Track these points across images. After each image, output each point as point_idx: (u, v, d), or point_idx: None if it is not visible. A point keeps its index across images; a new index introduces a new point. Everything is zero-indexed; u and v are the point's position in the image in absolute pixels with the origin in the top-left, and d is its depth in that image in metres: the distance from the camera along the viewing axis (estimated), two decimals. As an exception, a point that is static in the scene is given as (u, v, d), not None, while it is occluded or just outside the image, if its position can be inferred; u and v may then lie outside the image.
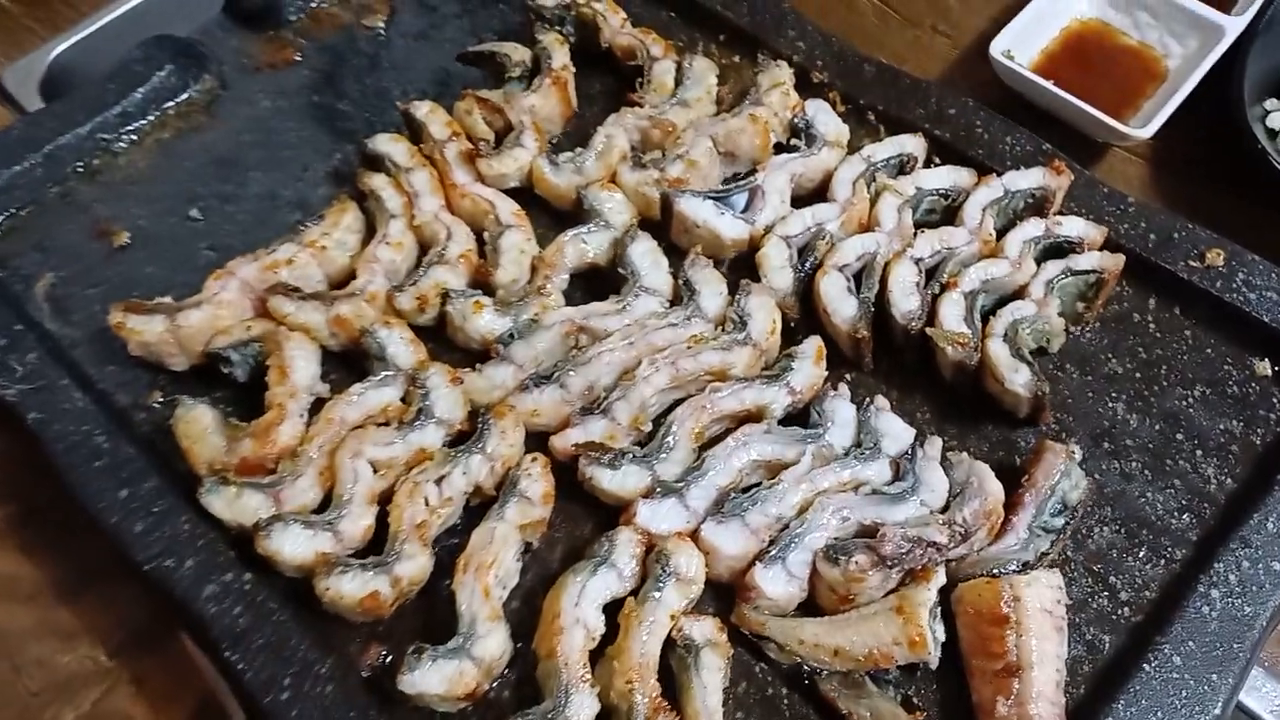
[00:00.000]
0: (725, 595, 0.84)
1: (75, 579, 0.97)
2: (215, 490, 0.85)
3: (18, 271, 1.03)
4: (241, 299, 0.95)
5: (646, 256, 0.97)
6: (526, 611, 0.84)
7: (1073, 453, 0.84)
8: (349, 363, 0.97)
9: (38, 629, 0.95)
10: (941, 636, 0.78)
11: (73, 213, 1.07)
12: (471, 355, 0.96)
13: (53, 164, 1.08)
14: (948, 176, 1.00)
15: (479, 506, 0.88)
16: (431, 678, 0.76)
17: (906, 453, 0.86)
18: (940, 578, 0.79)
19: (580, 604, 0.79)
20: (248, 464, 0.87)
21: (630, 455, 0.86)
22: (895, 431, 0.88)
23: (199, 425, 0.88)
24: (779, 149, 1.06)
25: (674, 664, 0.79)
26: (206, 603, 0.81)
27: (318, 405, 0.92)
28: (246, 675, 0.79)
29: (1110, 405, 0.92)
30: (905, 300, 0.92)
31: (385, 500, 0.87)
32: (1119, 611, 0.82)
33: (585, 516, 0.89)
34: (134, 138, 1.12)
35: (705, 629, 0.79)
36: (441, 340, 0.97)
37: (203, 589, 0.82)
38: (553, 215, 1.06)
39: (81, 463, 0.88)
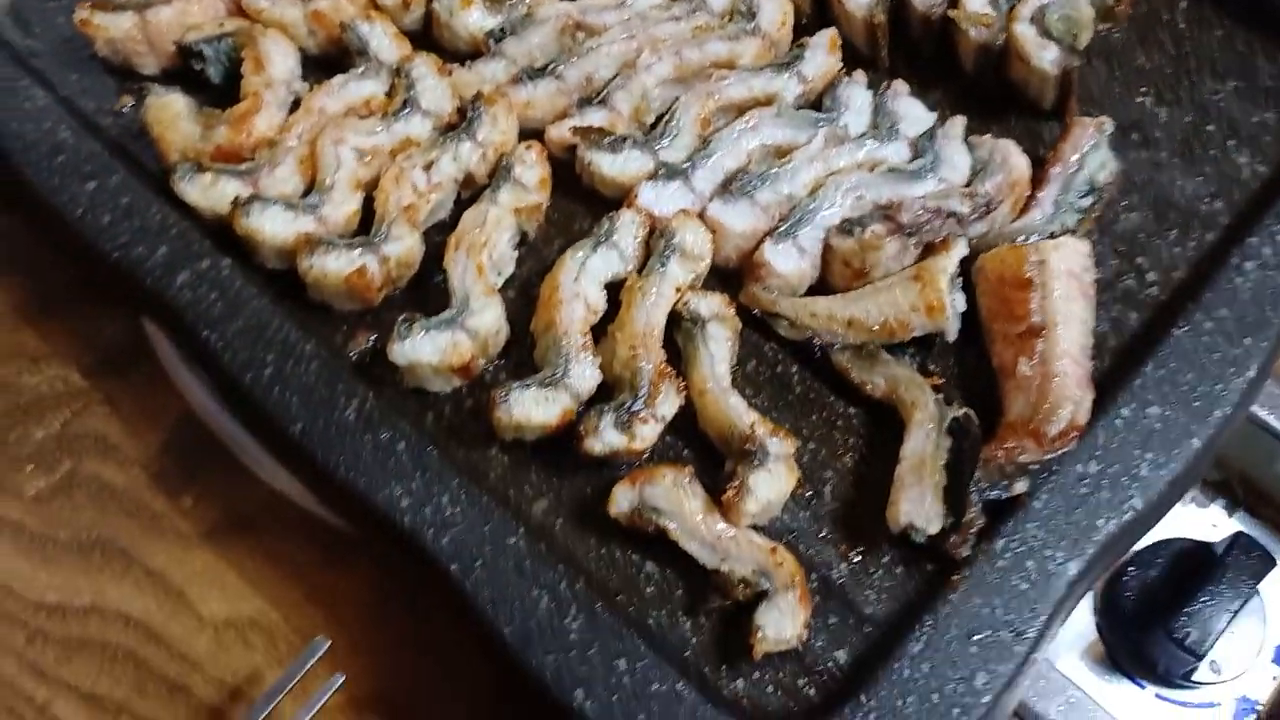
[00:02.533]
0: (733, 283, 0.79)
1: (42, 302, 0.92)
2: (189, 176, 0.79)
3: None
4: (216, -2, 0.88)
5: (647, -46, 0.91)
6: (522, 302, 0.79)
7: (1103, 124, 0.79)
8: (329, 68, 0.90)
9: (2, 352, 0.89)
10: (961, 307, 0.74)
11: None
12: (459, 59, 0.90)
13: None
14: None
15: (469, 200, 0.83)
16: (424, 347, 0.72)
17: (926, 133, 0.81)
18: (962, 248, 0.75)
19: (580, 280, 0.75)
20: (223, 152, 0.81)
21: (632, 140, 0.81)
22: (915, 115, 0.83)
23: (171, 111, 0.82)
24: None
25: (679, 339, 0.75)
26: (180, 290, 0.76)
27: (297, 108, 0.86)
28: (225, 356, 0.74)
29: (1139, 99, 0.87)
30: (924, -16, 0.86)
31: (370, 190, 0.81)
32: (1146, 291, 0.78)
33: (583, 213, 0.84)
34: None
35: (712, 303, 0.75)
36: (427, 45, 0.91)
37: (176, 276, 0.77)
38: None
39: (42, 159, 0.82)
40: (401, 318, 0.72)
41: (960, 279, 0.75)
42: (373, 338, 0.77)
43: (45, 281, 0.93)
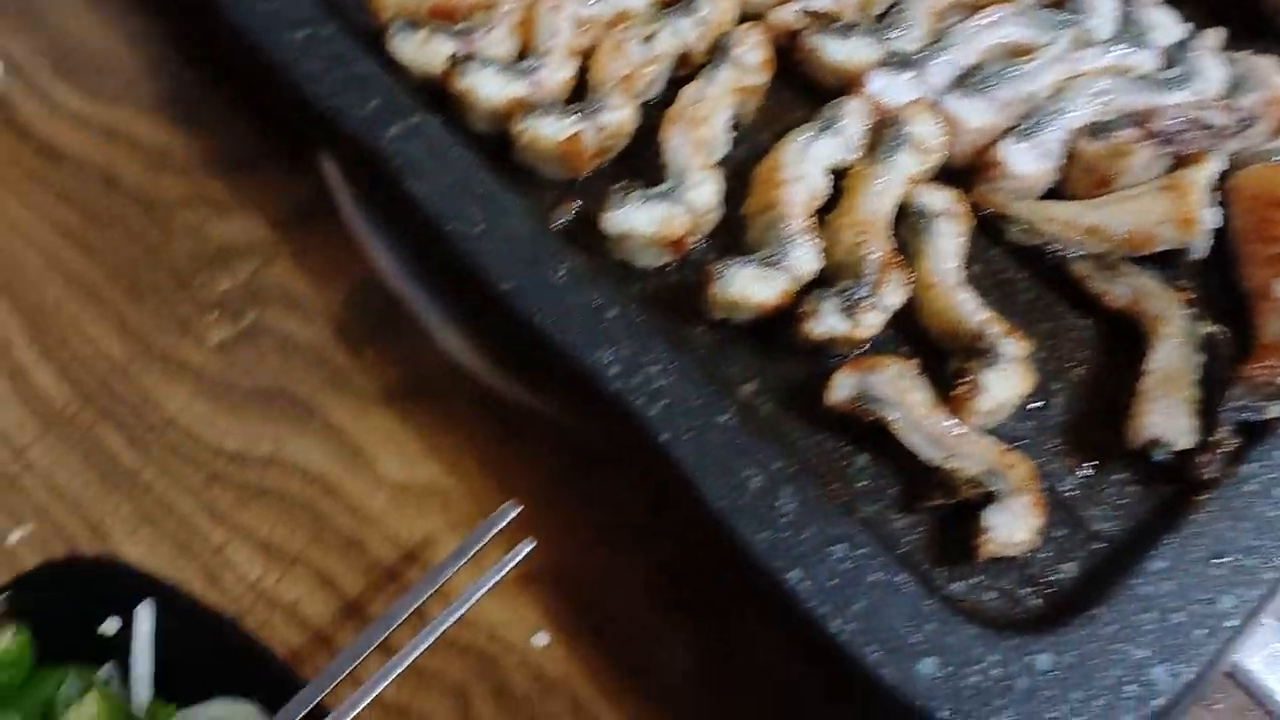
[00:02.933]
0: (960, 184, 0.75)
1: (230, 157, 0.91)
2: (404, 33, 0.78)
3: None
4: None
5: None
6: (733, 185, 0.76)
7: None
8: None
9: (190, 199, 0.89)
10: (1216, 222, 0.69)
11: None
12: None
13: None
14: None
15: (684, 80, 0.80)
16: (639, 217, 0.70)
17: (1179, 43, 0.76)
18: (1219, 161, 0.70)
19: (804, 161, 0.71)
20: (438, 10, 0.79)
21: (861, 26, 0.77)
22: (1166, 24, 0.78)
23: (388, -36, 0.80)
24: None
25: (904, 234, 0.71)
26: (390, 142, 0.75)
27: None
28: (432, 209, 0.72)
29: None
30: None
31: (585, 60, 0.79)
32: None
33: (799, 103, 0.80)
34: None
35: (942, 198, 0.71)
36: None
37: (385, 129, 0.75)
38: None
39: (254, 4, 0.81)
40: (617, 185, 0.70)
41: (1216, 194, 0.70)
42: (577, 207, 0.75)
43: (234, 138, 0.92)
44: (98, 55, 0.96)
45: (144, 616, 0.66)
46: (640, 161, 0.76)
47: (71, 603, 0.65)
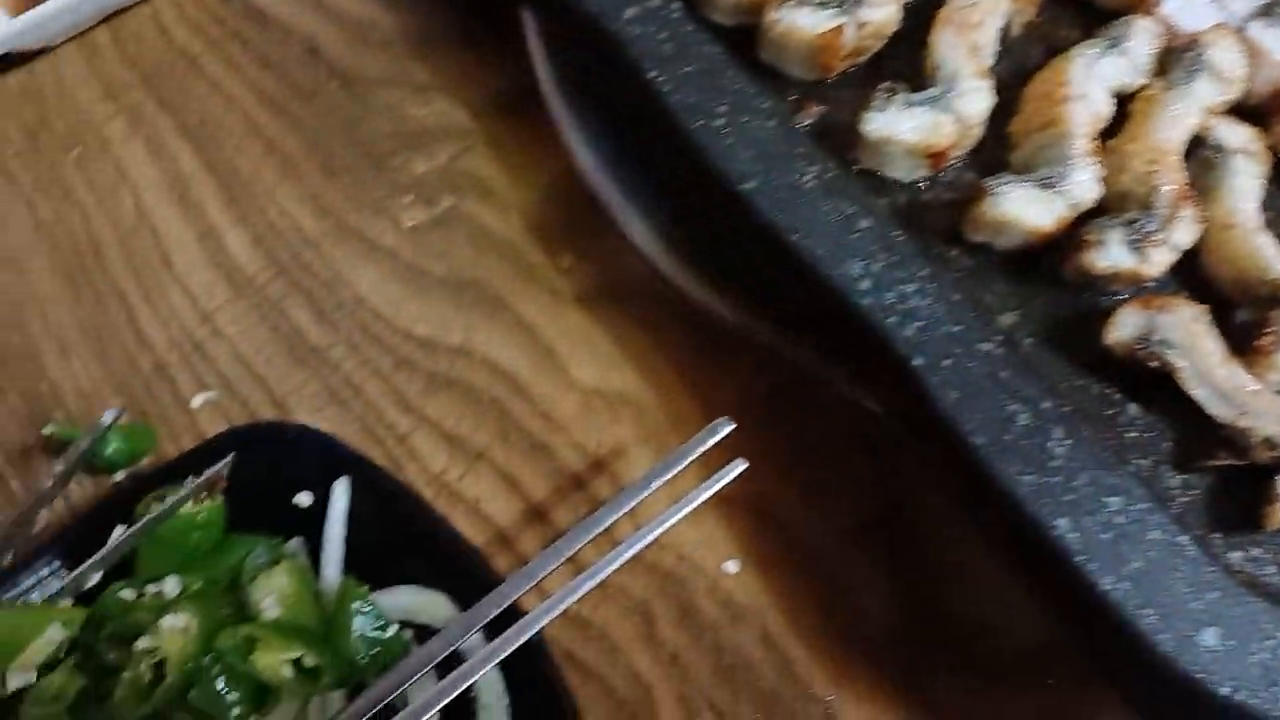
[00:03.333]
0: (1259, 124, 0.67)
1: (433, 36, 0.88)
2: (647, -93, 0.71)
3: None
4: None
5: None
6: (998, 104, 0.69)
7: None
8: None
9: (391, 78, 0.86)
10: None
11: None
12: None
13: None
14: None
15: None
16: (903, 122, 0.63)
17: None
18: None
19: (1089, 80, 0.64)
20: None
21: (1158, -61, 0.69)
22: None
23: None
24: None
25: (1194, 170, 0.64)
26: (628, 24, 0.69)
27: None
28: (672, 97, 0.66)
29: None
30: None
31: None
32: None
33: (1071, 20, 0.73)
34: None
35: (1240, 134, 0.64)
36: None
37: (623, 10, 0.70)
38: None
39: None
40: (883, 86, 0.64)
41: None
42: (820, 112, 0.69)
43: (440, 17, 0.88)
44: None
45: (341, 492, 0.62)
46: (893, 67, 0.70)
47: (268, 470, 0.62)
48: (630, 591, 0.68)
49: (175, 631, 0.54)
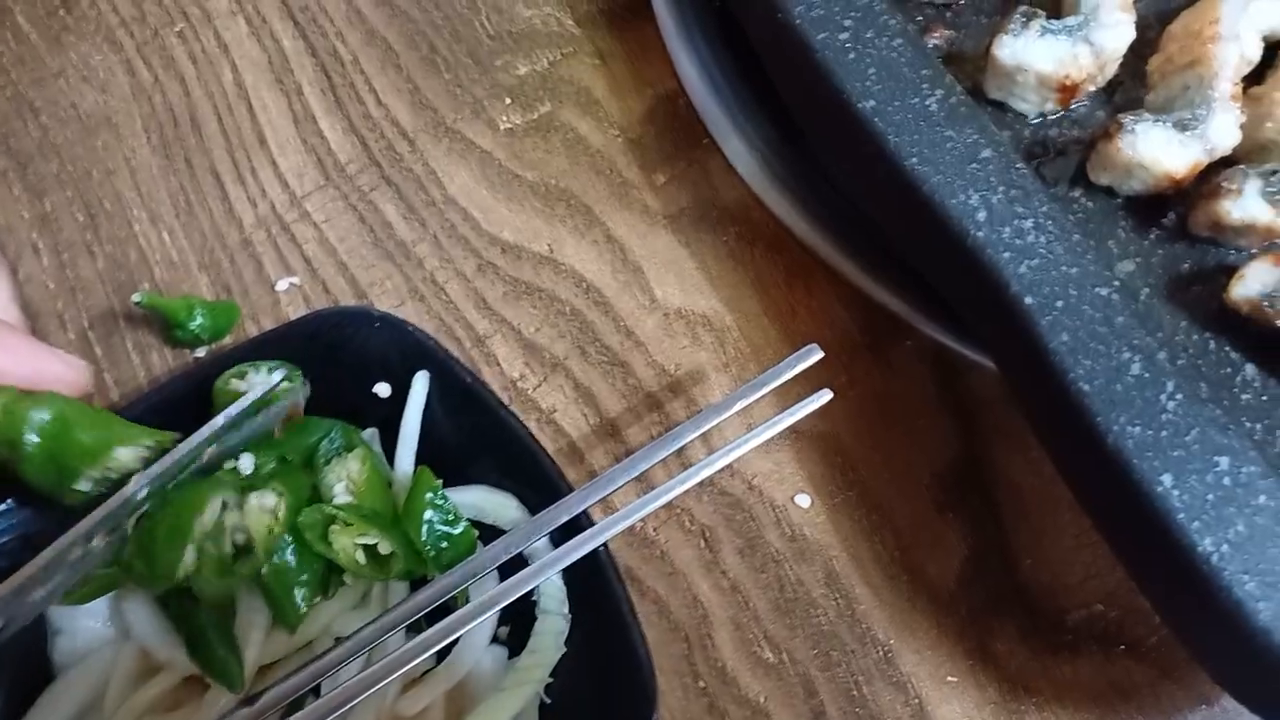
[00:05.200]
0: None
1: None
2: None
3: None
4: None
5: None
6: (1138, 42, 0.65)
7: None
8: None
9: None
10: None
11: None
12: None
13: None
14: None
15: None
16: (1038, 49, 0.60)
17: None
18: None
19: (1242, 19, 0.60)
20: None
21: (1330, -121, 0.64)
22: None
23: None
24: None
25: (1343, 127, 0.60)
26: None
27: None
28: (796, 6, 0.63)
29: None
30: None
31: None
32: None
33: (1221, -36, 0.68)
34: None
35: (1402, 93, 0.59)
36: None
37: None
38: None
39: None
40: (1021, 9, 0.60)
41: None
42: (951, 35, 0.66)
43: (553, -80, 0.86)
44: None
45: (420, 385, 0.61)
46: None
47: (349, 357, 0.61)
48: (697, 515, 0.67)
49: (264, 511, 0.53)
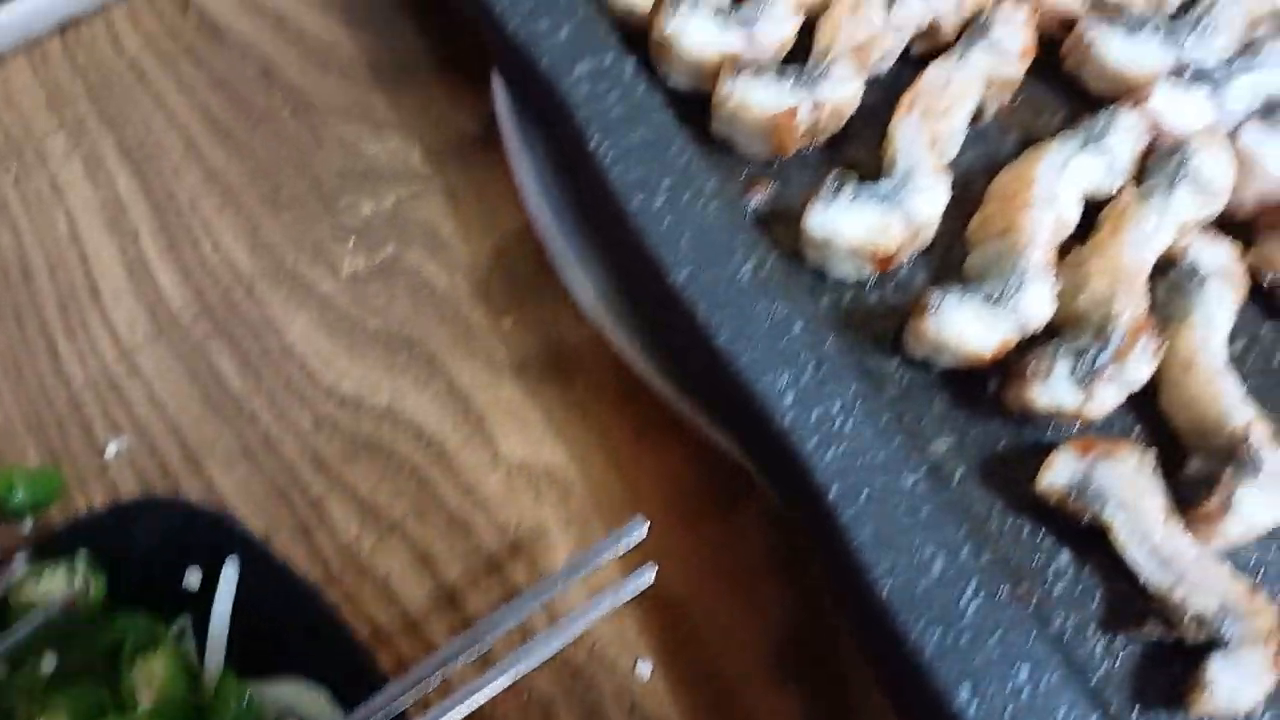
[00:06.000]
0: (1239, 237, 0.62)
1: (397, 67, 0.83)
2: (607, -46, 0.67)
3: None
4: None
5: None
6: (958, 196, 0.64)
7: None
8: None
9: (347, 109, 0.82)
10: None
11: None
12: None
13: None
14: None
15: (917, 62, 0.68)
16: (848, 219, 0.58)
17: None
18: None
19: (1058, 181, 0.59)
20: (650, -61, 0.68)
21: (1153, 24, 0.63)
22: None
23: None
24: None
25: (1161, 292, 0.59)
26: (578, 82, 0.65)
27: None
28: (615, 170, 0.62)
29: None
30: None
31: (813, 16, 0.67)
32: None
33: (1055, 106, 0.68)
34: None
35: (1219, 254, 0.58)
36: None
37: (575, 65, 0.65)
38: None
39: (449, -100, 0.71)
40: (834, 174, 0.59)
41: None
42: (772, 192, 0.64)
43: (405, 47, 0.84)
44: (274, -69, 0.88)
45: (228, 575, 0.60)
46: (853, 150, 0.65)
47: (158, 543, 0.59)
48: (535, 686, 0.65)
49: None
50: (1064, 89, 0.67)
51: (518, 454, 0.70)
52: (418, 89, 0.82)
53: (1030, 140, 0.64)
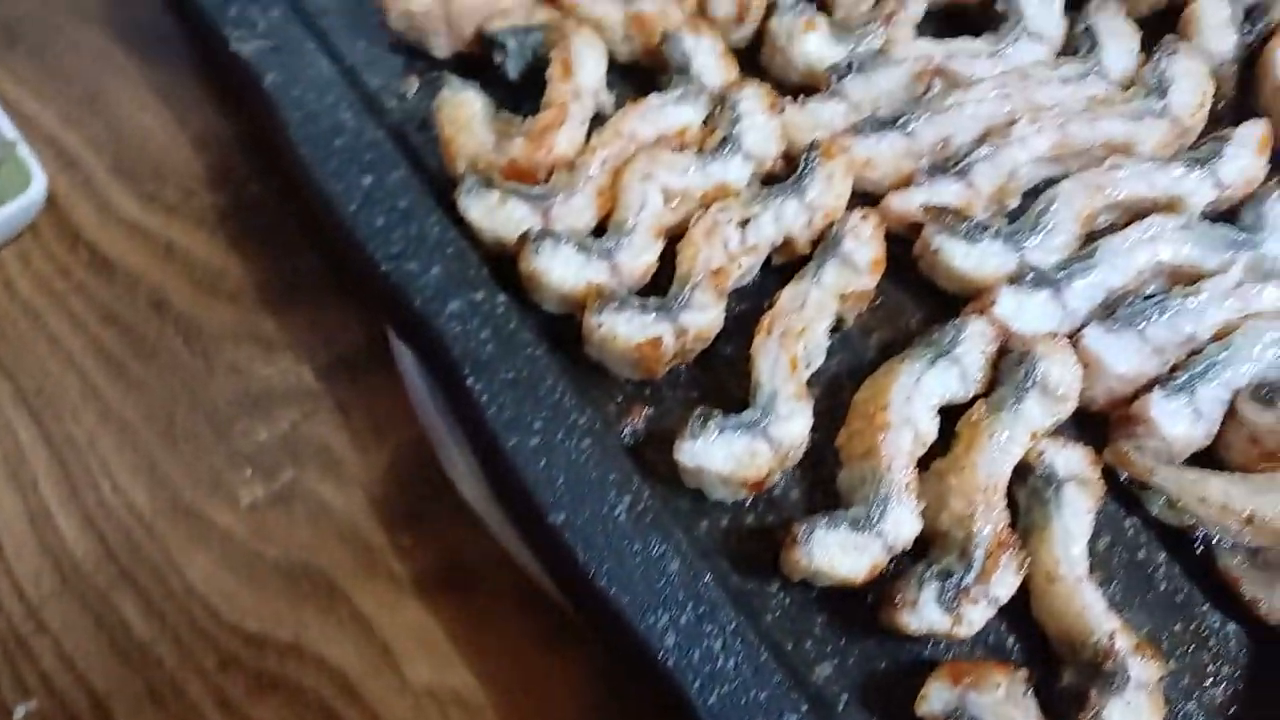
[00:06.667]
0: (1093, 430, 0.64)
1: (285, 286, 0.85)
2: (476, 192, 0.69)
3: (265, -82, 0.88)
4: (528, -20, 0.78)
5: (1037, -10, 0.76)
6: (828, 404, 0.67)
7: None
8: (638, 80, 0.79)
9: (238, 332, 0.83)
10: None
11: None
12: (786, 91, 0.77)
13: None
14: None
15: (779, 269, 0.71)
16: (717, 452, 0.60)
17: (1379, 285, 0.64)
18: None
19: (912, 400, 0.61)
20: (516, 168, 0.71)
21: (994, 230, 0.67)
22: (1365, 253, 0.65)
23: (467, 111, 0.72)
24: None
25: (1022, 498, 0.61)
26: (450, 320, 0.67)
27: (597, 122, 0.75)
28: (489, 410, 0.64)
29: None
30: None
31: (671, 241, 0.70)
32: None
33: (913, 306, 0.70)
34: None
35: (1073, 459, 0.61)
36: (752, 69, 0.79)
37: (447, 303, 0.67)
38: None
39: (320, 137, 0.74)
40: (696, 413, 0.61)
41: None
42: (647, 415, 0.66)
43: (293, 263, 0.86)
44: (159, 155, 0.90)
45: None
46: (720, 363, 0.67)
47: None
48: None
49: None
50: (921, 287, 0.69)
51: (424, 678, 0.71)
52: (306, 307, 0.83)
53: (892, 342, 0.67)
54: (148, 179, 0.89)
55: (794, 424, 0.61)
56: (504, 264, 0.70)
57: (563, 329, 0.69)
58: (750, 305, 0.69)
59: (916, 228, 0.68)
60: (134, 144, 0.90)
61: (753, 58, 0.78)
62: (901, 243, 0.70)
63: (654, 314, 0.64)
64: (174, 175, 0.89)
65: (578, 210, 0.69)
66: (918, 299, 0.70)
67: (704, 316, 0.65)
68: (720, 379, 0.68)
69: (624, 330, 0.64)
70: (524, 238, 0.66)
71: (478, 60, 0.79)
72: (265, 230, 0.86)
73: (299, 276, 0.84)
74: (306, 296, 0.84)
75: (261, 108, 0.77)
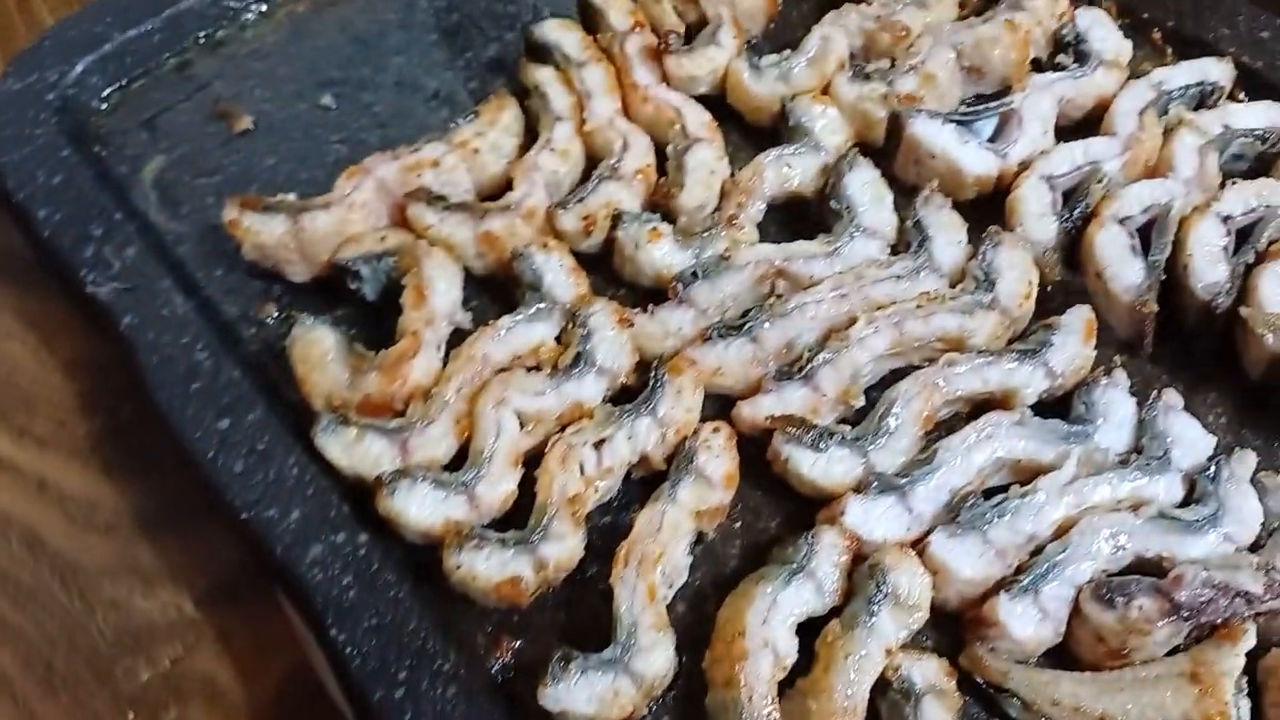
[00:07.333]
0: (950, 629, 0.66)
1: (159, 512, 0.84)
2: (332, 430, 0.70)
3: (122, 151, 0.89)
4: (377, 203, 0.80)
5: (866, 189, 0.79)
6: (694, 618, 0.68)
7: None
8: (494, 291, 0.81)
9: (115, 566, 0.82)
10: (1246, 718, 0.59)
11: (189, 88, 0.93)
12: (640, 294, 0.79)
13: (172, 30, 0.93)
14: (1265, 115, 0.79)
15: (641, 481, 0.72)
16: (579, 694, 0.61)
17: (1206, 468, 0.66)
18: (1250, 639, 0.60)
19: (769, 621, 0.63)
20: (372, 403, 0.72)
21: (839, 436, 0.68)
22: (1190, 438, 0.68)
23: (319, 350, 0.73)
24: (1036, 67, 0.85)
25: (885, 710, 0.62)
26: (312, 567, 0.67)
27: (456, 337, 0.77)
28: (354, 663, 0.64)
29: None
30: (1209, 269, 0.72)
31: (530, 462, 0.71)
32: None
33: (772, 508, 0.72)
34: (264, 8, 0.97)
35: (928, 671, 0.62)
36: (606, 273, 0.81)
37: (309, 549, 0.68)
38: (748, 131, 0.88)
39: (176, 381, 0.74)
40: (557, 655, 0.62)
41: (1245, 679, 0.60)
42: (517, 646, 0.67)
43: (166, 487, 0.85)
44: (29, 386, 0.90)
45: None
46: (587, 582, 0.68)
47: None
48: None
49: None
50: (779, 488, 0.71)
51: None
52: (182, 532, 0.83)
53: (754, 546, 0.68)
54: (18, 412, 0.88)
55: (655, 656, 0.62)
56: (366, 497, 0.70)
57: (429, 559, 0.69)
58: (614, 519, 0.70)
59: (770, 430, 0.70)
60: (2, 375, 0.90)
61: (607, 262, 0.80)
62: (757, 444, 0.71)
63: (512, 549, 0.65)
64: (45, 405, 0.88)
65: (435, 440, 0.70)
66: (775, 503, 0.71)
67: (563, 547, 0.65)
68: (589, 599, 0.68)
69: (483, 569, 0.64)
70: (379, 480, 0.66)
71: (337, 282, 0.80)
72: (137, 453, 0.86)
73: (173, 500, 0.84)
74: (182, 521, 0.83)
75: (121, 346, 0.77)
